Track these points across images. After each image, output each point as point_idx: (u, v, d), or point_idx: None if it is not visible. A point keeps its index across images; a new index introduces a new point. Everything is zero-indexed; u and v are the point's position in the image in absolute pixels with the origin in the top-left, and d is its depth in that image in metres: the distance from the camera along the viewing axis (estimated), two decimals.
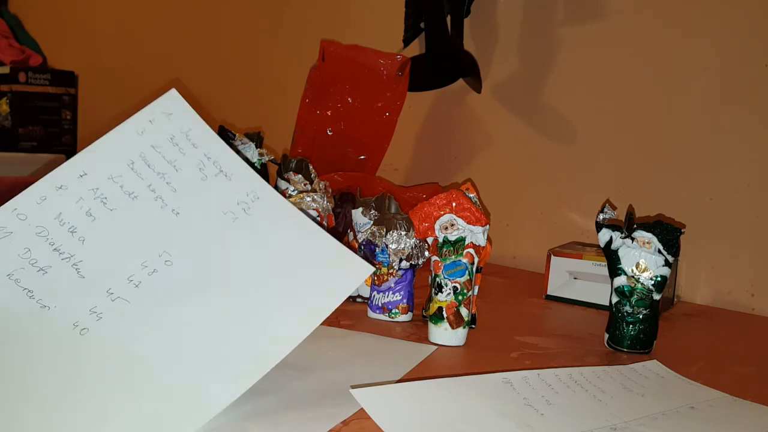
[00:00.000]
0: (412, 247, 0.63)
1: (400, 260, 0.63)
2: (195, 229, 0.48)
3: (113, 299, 0.44)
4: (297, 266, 0.47)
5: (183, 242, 0.47)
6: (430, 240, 0.60)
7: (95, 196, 0.47)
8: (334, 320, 0.64)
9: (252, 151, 0.91)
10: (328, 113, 1.02)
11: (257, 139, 0.92)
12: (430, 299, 0.60)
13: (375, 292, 0.65)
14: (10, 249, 0.44)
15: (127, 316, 0.44)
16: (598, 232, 0.60)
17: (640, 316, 0.58)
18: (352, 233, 0.72)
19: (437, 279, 0.58)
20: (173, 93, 0.51)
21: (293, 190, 0.74)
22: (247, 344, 0.42)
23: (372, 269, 0.48)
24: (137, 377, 0.40)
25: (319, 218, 0.71)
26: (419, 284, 0.67)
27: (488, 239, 0.59)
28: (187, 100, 0.51)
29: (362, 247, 0.66)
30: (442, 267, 0.58)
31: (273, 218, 0.49)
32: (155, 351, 0.42)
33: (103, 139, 0.49)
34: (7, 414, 0.38)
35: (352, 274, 0.47)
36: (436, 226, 0.59)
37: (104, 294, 0.44)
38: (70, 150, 1.60)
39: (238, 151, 0.92)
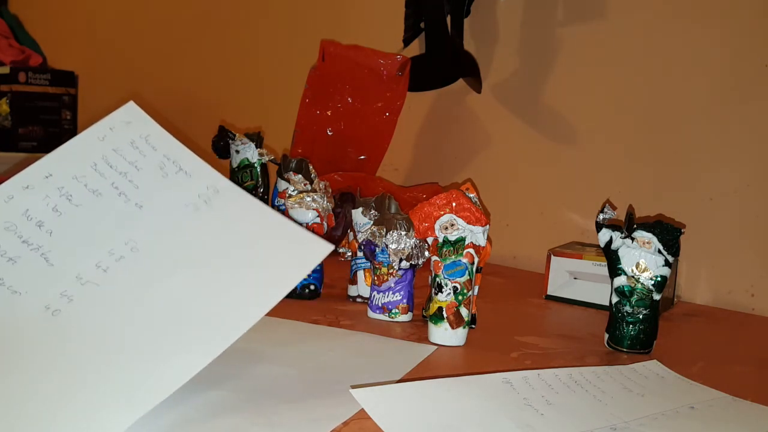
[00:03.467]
0: (412, 247, 0.63)
1: (400, 260, 0.63)
2: (158, 219, 0.50)
3: (83, 283, 0.46)
4: (258, 247, 0.49)
5: (147, 231, 0.49)
6: (430, 240, 0.60)
7: (61, 194, 0.49)
8: (334, 320, 0.64)
9: (252, 151, 0.92)
10: (328, 113, 1.02)
11: (257, 139, 0.92)
12: (430, 299, 0.60)
13: (375, 292, 0.65)
14: None
15: (97, 297, 0.46)
16: (598, 232, 0.60)
17: (640, 316, 0.58)
18: (352, 233, 0.72)
19: (437, 279, 0.58)
20: (131, 104, 0.54)
21: (293, 190, 0.74)
22: (213, 318, 0.44)
23: (331, 247, 0.49)
24: (109, 353, 0.42)
25: (319, 218, 0.71)
26: (419, 284, 0.67)
27: (488, 239, 0.59)
28: (147, 113, 0.54)
29: (362, 247, 0.66)
30: (442, 267, 0.58)
31: (233, 207, 0.51)
32: (125, 328, 0.44)
33: (66, 145, 0.52)
34: None
35: (311, 251, 0.49)
36: (436, 226, 0.59)
37: (74, 279, 0.46)
38: None
39: (233, 153, 0.92)
